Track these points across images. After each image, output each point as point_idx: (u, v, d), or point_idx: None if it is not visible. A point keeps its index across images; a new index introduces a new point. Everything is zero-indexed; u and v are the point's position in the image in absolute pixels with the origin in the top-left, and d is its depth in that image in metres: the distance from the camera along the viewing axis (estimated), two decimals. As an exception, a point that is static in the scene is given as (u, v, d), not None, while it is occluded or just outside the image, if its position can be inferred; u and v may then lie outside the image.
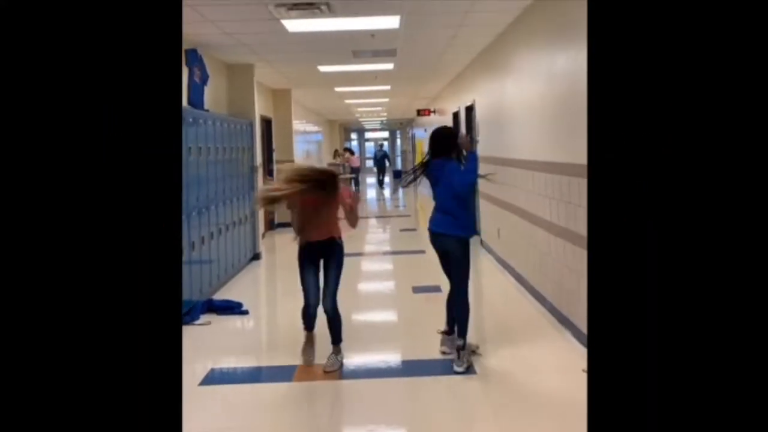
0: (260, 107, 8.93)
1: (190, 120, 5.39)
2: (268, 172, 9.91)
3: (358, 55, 7.36)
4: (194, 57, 6.19)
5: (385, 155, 21.71)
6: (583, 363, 3.72)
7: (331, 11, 5.04)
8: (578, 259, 4.11)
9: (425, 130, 15.84)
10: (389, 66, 8.40)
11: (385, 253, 8.38)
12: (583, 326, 4.06)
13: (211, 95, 6.76)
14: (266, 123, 9.96)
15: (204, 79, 6.48)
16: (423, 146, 16.52)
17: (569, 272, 4.33)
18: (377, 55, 7.38)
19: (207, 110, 6.46)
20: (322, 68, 8.43)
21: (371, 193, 19.76)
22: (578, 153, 4.09)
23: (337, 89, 11.31)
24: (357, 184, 18.64)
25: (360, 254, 8.38)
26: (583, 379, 3.50)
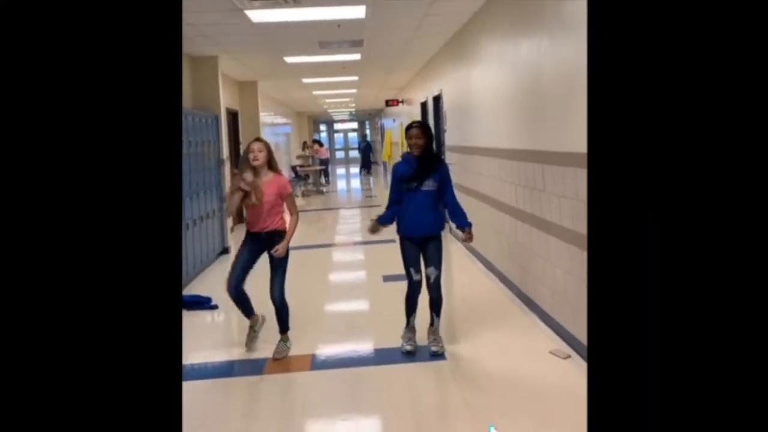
0: (226, 100, 8.83)
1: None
2: (236, 165, 9.83)
3: (324, 46, 7.33)
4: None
5: (368, 145, 22.46)
6: (550, 345, 3.80)
7: (296, 1, 5.01)
8: (543, 243, 4.19)
9: (394, 121, 15.86)
10: (356, 56, 8.38)
11: (355, 243, 8.40)
12: (548, 309, 4.15)
13: (174, 88, 6.65)
14: (232, 116, 9.85)
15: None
16: (392, 136, 16.59)
17: (534, 257, 4.41)
18: (344, 45, 7.36)
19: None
20: (289, 59, 8.37)
21: (341, 184, 19.74)
22: (542, 139, 4.16)
23: (305, 80, 11.24)
24: (327, 175, 18.58)
25: (331, 245, 8.39)
26: (550, 360, 3.60)
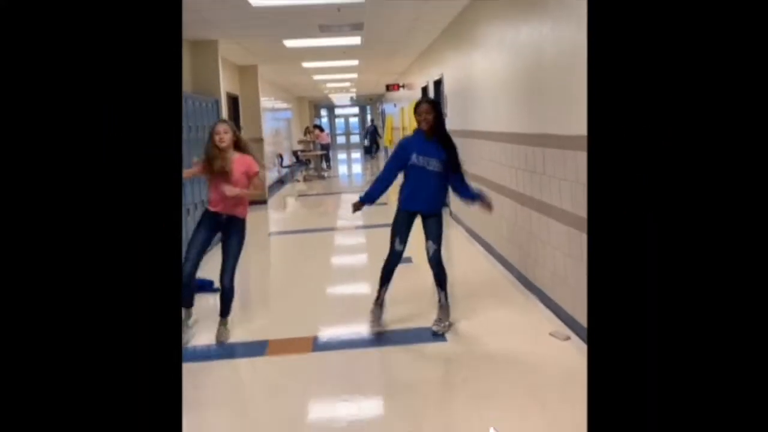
0: (226, 84, 8.81)
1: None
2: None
3: (324, 30, 7.29)
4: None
5: (375, 129, 22.68)
6: (550, 327, 3.84)
7: (295, -16, 4.98)
8: (543, 226, 4.21)
9: (395, 106, 15.80)
10: (356, 40, 8.35)
11: (357, 227, 8.43)
12: (548, 290, 4.18)
13: (175, 73, 6.64)
14: (233, 100, 9.83)
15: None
16: (392, 121, 16.53)
17: (535, 239, 4.43)
18: (344, 29, 7.32)
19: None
20: (289, 43, 8.34)
21: (342, 169, 19.72)
22: (542, 123, 4.16)
23: (305, 65, 11.20)
24: (328, 160, 18.56)
25: (332, 229, 8.42)
26: (550, 342, 3.63)
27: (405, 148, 3.85)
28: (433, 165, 3.76)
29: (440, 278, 3.90)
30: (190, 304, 3.99)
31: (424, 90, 10.11)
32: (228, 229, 3.85)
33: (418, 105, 3.83)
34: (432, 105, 3.82)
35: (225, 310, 3.99)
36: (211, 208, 3.85)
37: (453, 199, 8.03)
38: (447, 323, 3.89)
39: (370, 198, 3.89)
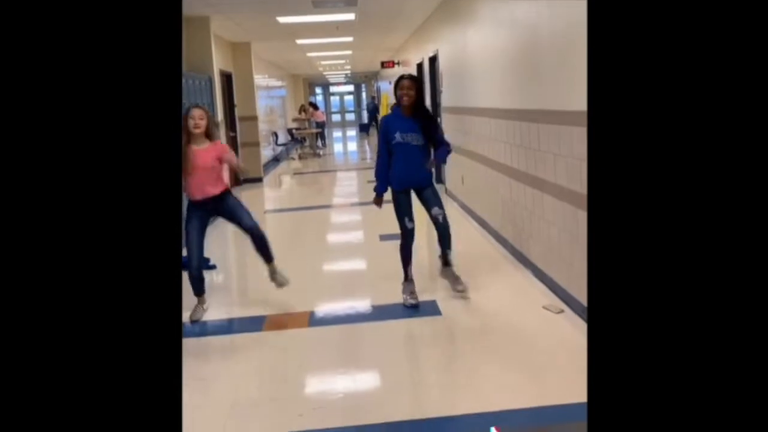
0: (219, 62, 8.74)
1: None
2: (231, 128, 9.78)
3: (318, 5, 7.22)
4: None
5: (375, 107, 22.77)
6: (543, 300, 3.88)
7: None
8: (538, 201, 4.23)
9: (390, 83, 15.71)
10: (350, 16, 8.26)
11: (352, 204, 8.44)
12: (541, 265, 4.21)
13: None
14: (226, 78, 9.75)
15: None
16: (389, 98, 16.44)
17: (528, 214, 4.46)
18: (338, 4, 7.25)
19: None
20: (282, 19, 8.25)
21: (338, 147, 19.66)
22: (537, 99, 4.16)
23: (299, 42, 11.09)
24: (323, 138, 18.49)
25: (328, 206, 8.43)
26: (544, 315, 3.68)
27: (386, 127, 3.92)
28: (416, 139, 3.84)
29: (448, 240, 4.00)
30: (202, 292, 3.95)
31: (419, 67, 10.04)
32: (220, 207, 3.85)
33: (399, 80, 3.88)
34: (414, 80, 3.87)
35: (267, 255, 3.98)
36: (194, 198, 3.78)
37: (449, 175, 8.04)
38: (461, 286, 4.00)
39: (382, 186, 3.98)
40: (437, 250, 4.13)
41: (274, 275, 4.03)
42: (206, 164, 3.73)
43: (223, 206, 3.86)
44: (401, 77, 3.90)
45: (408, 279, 4.04)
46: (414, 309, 3.89)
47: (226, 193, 3.87)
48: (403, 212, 3.94)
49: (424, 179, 3.94)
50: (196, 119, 3.71)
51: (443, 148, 3.98)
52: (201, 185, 3.75)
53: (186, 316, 3.90)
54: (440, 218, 3.92)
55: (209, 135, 3.80)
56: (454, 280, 4.04)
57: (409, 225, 3.93)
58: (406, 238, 3.96)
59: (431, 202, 3.93)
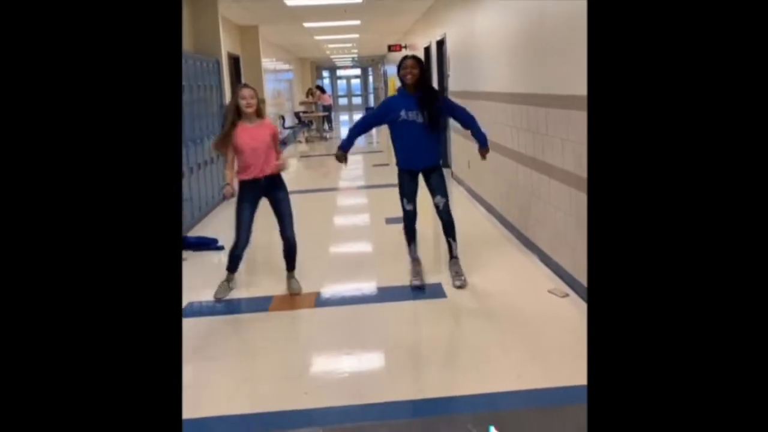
0: (227, 45, 8.72)
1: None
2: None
3: (325, -13, 7.18)
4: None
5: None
6: (549, 284, 3.90)
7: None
8: (544, 186, 4.23)
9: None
10: (358, -1, 8.23)
11: (359, 188, 8.46)
12: (547, 249, 4.23)
13: (175, 31, 6.57)
14: (234, 61, 9.74)
15: (167, 14, 6.28)
16: (395, 83, 16.32)
17: (535, 199, 4.46)
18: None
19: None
20: (289, 2, 8.22)
21: (344, 131, 19.59)
22: (545, 83, 4.15)
23: (306, 25, 11.05)
24: (330, 121, 18.46)
25: (335, 189, 8.46)
26: (548, 298, 3.70)
27: (390, 106, 3.95)
28: (421, 117, 3.83)
29: (451, 229, 4.01)
30: (235, 270, 4.02)
31: (427, 50, 9.99)
32: (271, 190, 3.85)
33: (403, 60, 3.91)
34: (417, 60, 3.90)
35: (291, 264, 4.04)
36: (247, 177, 3.79)
37: (455, 160, 8.03)
38: (464, 277, 3.99)
39: (347, 142, 4.03)
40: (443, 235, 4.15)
41: (290, 281, 4.07)
42: (261, 142, 3.75)
43: (275, 190, 3.86)
44: (405, 57, 3.94)
45: (413, 258, 4.09)
46: (419, 291, 3.92)
47: (279, 175, 3.89)
48: (404, 192, 3.96)
49: (430, 159, 3.94)
50: (248, 98, 3.73)
51: (479, 131, 4.01)
52: (255, 163, 3.76)
53: (210, 294, 4.00)
54: (441, 206, 3.93)
55: (259, 113, 3.83)
56: (455, 275, 4.00)
57: (407, 206, 3.96)
58: (407, 217, 4.00)
59: (436, 189, 3.95)
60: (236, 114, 3.76)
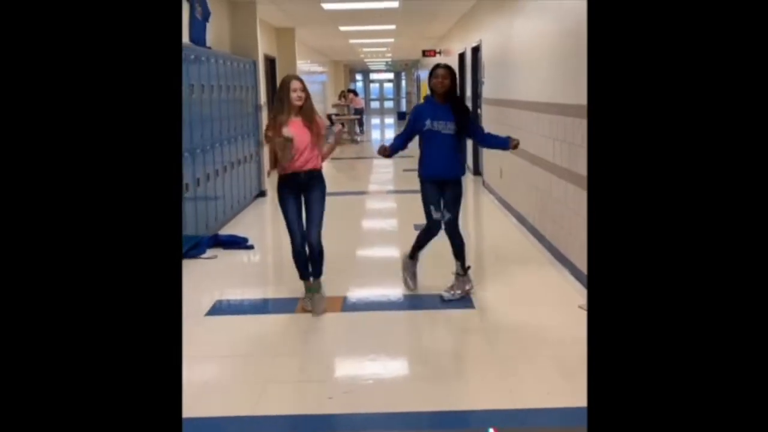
0: (263, 46, 8.81)
1: (192, 57, 5.35)
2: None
3: (363, -8, 7.21)
4: (196, -8, 6.08)
5: None
6: (580, 299, 3.83)
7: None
8: (578, 198, 4.16)
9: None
10: (394, 3, 8.23)
11: (388, 192, 8.46)
12: (579, 263, 4.16)
13: (213, 33, 6.67)
14: (270, 62, 9.84)
15: (205, 15, 6.38)
16: (426, 88, 16.34)
17: (569, 212, 4.39)
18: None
19: (209, 48, 6.40)
20: (326, 6, 8.27)
21: (375, 134, 19.65)
22: (580, 93, 4.08)
23: (342, 28, 11.11)
24: (361, 125, 18.52)
25: (364, 193, 8.47)
26: (579, 314, 3.63)
27: (419, 114, 3.90)
28: (448, 128, 3.79)
29: (458, 248, 3.90)
30: (308, 276, 3.81)
31: (461, 57, 9.95)
32: (309, 187, 3.71)
33: (434, 69, 3.87)
34: (449, 70, 3.86)
35: (318, 271, 3.83)
36: (287, 171, 3.66)
37: (486, 167, 7.97)
38: (458, 292, 3.89)
39: (394, 149, 3.98)
40: (473, 244, 4.10)
41: (311, 295, 3.84)
42: (305, 137, 3.61)
43: (313, 187, 3.72)
44: (436, 66, 3.89)
45: (413, 257, 4.04)
46: (409, 300, 3.87)
47: (320, 172, 3.77)
48: (430, 201, 3.86)
49: (451, 170, 3.86)
50: (299, 91, 3.59)
51: (494, 143, 4.03)
52: (300, 158, 3.62)
53: (239, 293, 3.96)
54: (444, 219, 3.84)
55: (308, 108, 3.66)
56: (450, 287, 3.90)
57: (435, 215, 3.85)
58: (431, 227, 3.89)
59: (445, 202, 3.85)
60: (287, 107, 3.60)
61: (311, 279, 3.86)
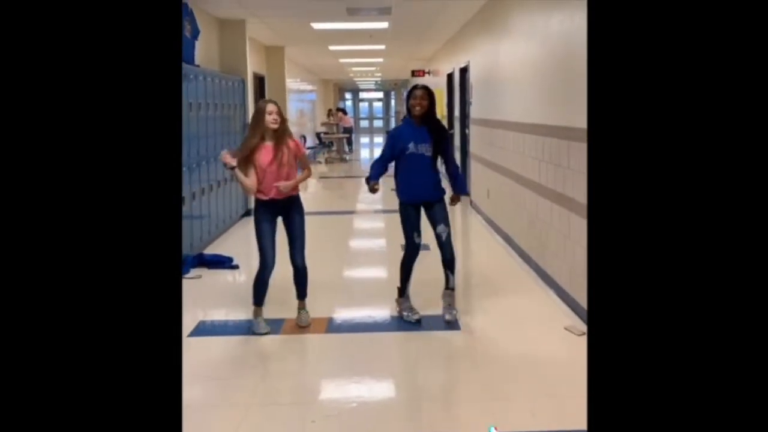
0: (253, 64, 8.83)
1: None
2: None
3: (352, 13, 7.26)
4: (184, 10, 6.09)
5: None
6: (566, 321, 3.82)
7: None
8: (564, 220, 4.17)
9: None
10: (384, 25, 8.30)
11: (376, 212, 8.44)
12: (565, 285, 4.15)
13: (202, 51, 6.68)
14: (259, 80, 9.85)
15: (194, 33, 6.39)
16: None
17: (555, 233, 4.40)
18: (372, 12, 7.27)
19: (198, 65, 6.39)
20: (316, 26, 8.32)
21: (364, 153, 19.70)
22: (569, 115, 4.11)
23: (332, 48, 11.17)
24: (350, 143, 18.55)
25: (352, 212, 8.44)
26: (564, 335, 3.62)
27: (398, 138, 3.84)
28: (427, 150, 3.78)
29: (451, 261, 3.87)
30: (261, 302, 3.79)
31: (450, 77, 10.03)
32: (288, 211, 3.71)
33: (413, 90, 3.84)
34: (427, 91, 3.82)
35: (302, 292, 3.86)
36: (264, 197, 3.64)
37: (474, 188, 8.00)
38: (455, 312, 3.87)
39: (374, 175, 3.95)
40: (460, 264, 4.09)
41: (300, 312, 3.89)
42: (281, 163, 3.58)
43: (291, 211, 3.72)
44: (414, 87, 3.86)
45: (405, 296, 3.93)
46: (417, 324, 3.82)
47: (297, 196, 3.76)
48: (411, 226, 3.82)
49: (434, 192, 3.84)
50: (274, 114, 3.56)
51: (461, 177, 4.04)
52: (273, 185, 3.60)
53: (222, 314, 3.91)
54: (444, 236, 3.80)
55: (283, 131, 3.63)
56: (447, 307, 3.86)
57: (416, 240, 3.82)
58: (412, 252, 3.85)
59: (438, 218, 3.81)
60: (260, 131, 3.57)
61: (297, 300, 3.88)
